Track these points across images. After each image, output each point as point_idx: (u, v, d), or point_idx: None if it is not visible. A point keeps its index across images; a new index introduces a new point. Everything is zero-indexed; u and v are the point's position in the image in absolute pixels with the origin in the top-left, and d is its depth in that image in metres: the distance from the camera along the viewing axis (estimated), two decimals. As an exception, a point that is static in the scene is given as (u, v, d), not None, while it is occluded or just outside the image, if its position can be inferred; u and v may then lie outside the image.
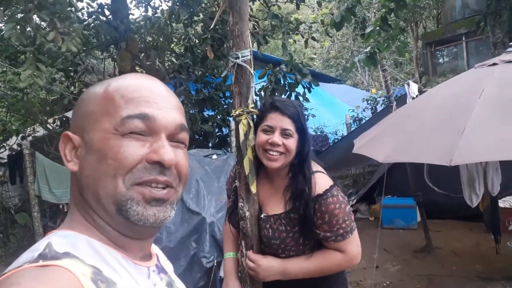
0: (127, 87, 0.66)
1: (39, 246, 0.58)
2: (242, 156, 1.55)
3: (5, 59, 5.09)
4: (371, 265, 4.28)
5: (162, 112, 0.65)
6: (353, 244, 1.52)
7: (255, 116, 1.58)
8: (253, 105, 1.56)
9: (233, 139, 5.19)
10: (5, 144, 6.78)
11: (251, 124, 1.55)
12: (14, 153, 6.51)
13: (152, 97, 0.66)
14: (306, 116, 8.66)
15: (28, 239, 6.05)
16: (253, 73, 1.57)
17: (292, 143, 1.49)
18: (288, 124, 1.49)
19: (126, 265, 0.63)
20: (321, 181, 1.51)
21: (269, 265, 1.51)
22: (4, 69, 5.30)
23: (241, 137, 1.55)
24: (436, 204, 5.37)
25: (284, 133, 1.49)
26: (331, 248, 1.51)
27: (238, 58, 1.53)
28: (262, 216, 1.57)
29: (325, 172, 1.58)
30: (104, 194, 0.62)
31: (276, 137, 1.48)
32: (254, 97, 1.59)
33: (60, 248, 0.58)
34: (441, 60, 16.36)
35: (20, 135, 6.53)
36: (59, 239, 0.60)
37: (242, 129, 1.55)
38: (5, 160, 6.82)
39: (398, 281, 4.08)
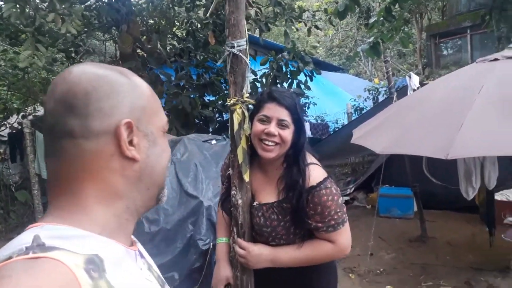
0: (153, 91, 0.75)
1: (25, 239, 0.57)
2: (236, 145, 1.56)
3: (6, 37, 5.06)
4: (365, 252, 4.34)
5: None
6: (344, 236, 1.54)
7: (250, 106, 1.58)
8: (248, 94, 1.57)
9: (233, 125, 5.19)
10: (5, 123, 6.82)
11: (246, 113, 1.56)
12: (14, 131, 6.56)
13: None
14: (307, 105, 8.65)
15: (28, 216, 6.16)
16: (248, 63, 1.57)
17: (288, 134, 1.49)
18: (284, 115, 1.49)
19: (119, 251, 0.65)
20: (315, 173, 1.52)
21: (259, 252, 1.54)
22: (5, 47, 5.29)
23: (235, 127, 1.56)
24: (433, 195, 5.41)
25: (281, 124, 1.49)
26: (322, 238, 1.54)
27: (233, 47, 1.53)
28: (254, 204, 1.59)
29: (319, 164, 1.59)
30: (160, 181, 0.74)
31: (272, 127, 1.48)
32: (257, 84, 1.60)
33: (49, 240, 0.57)
34: (445, 52, 16.23)
35: (21, 113, 6.56)
36: (47, 232, 0.59)
37: (236, 118, 1.55)
38: (6, 138, 6.87)
39: (391, 268, 4.14)
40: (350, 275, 4.03)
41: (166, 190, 0.77)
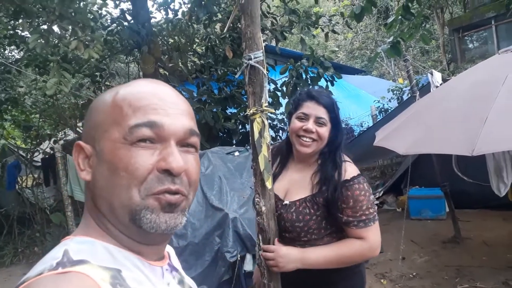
0: (134, 94, 0.65)
1: (57, 254, 0.60)
2: (257, 153, 1.60)
3: (35, 67, 5.32)
4: (397, 257, 4.26)
5: (170, 119, 0.65)
6: (374, 233, 1.55)
7: (269, 114, 1.63)
8: (266, 104, 1.61)
9: (256, 135, 5.23)
10: (38, 149, 7.11)
11: (266, 122, 1.60)
12: (47, 156, 6.83)
13: (160, 103, 0.65)
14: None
15: (63, 237, 6.34)
16: (265, 73, 1.61)
17: (325, 131, 1.59)
18: (322, 113, 1.59)
19: (141, 267, 0.65)
20: (350, 169, 1.59)
21: (287, 252, 1.54)
22: (35, 77, 5.55)
23: (256, 135, 1.59)
24: (466, 194, 5.26)
25: (318, 121, 1.59)
26: (352, 235, 1.55)
27: (251, 59, 1.58)
28: (286, 202, 1.63)
29: (352, 163, 1.65)
30: (119, 204, 0.63)
31: (310, 124, 1.58)
32: (277, 93, 1.63)
33: (77, 254, 0.59)
34: (470, 46, 15.82)
35: (53, 139, 6.85)
36: (76, 245, 0.62)
37: (256, 127, 1.59)
38: (40, 163, 7.16)
39: (425, 272, 4.03)
40: (382, 280, 3.95)
41: (147, 213, 0.63)
